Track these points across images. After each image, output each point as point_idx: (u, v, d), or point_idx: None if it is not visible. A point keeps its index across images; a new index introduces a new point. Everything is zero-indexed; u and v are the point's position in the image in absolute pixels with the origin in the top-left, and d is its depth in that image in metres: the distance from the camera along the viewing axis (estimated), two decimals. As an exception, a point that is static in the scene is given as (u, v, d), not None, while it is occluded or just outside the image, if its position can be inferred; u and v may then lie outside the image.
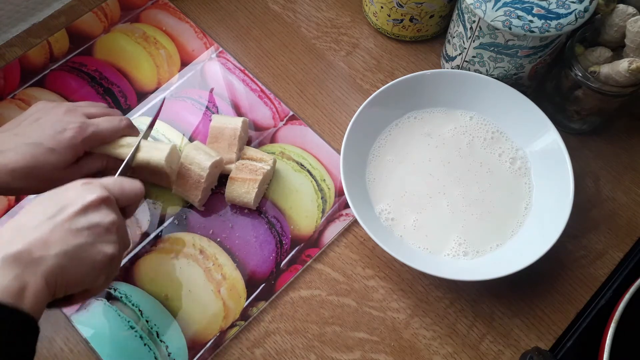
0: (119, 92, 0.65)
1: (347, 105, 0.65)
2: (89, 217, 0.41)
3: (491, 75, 0.59)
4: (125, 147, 0.54)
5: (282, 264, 0.56)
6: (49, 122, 0.51)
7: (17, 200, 0.59)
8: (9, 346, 0.35)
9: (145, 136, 0.57)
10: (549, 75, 0.62)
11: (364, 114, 0.57)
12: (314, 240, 0.57)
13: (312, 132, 0.63)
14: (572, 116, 0.61)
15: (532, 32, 0.51)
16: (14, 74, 0.66)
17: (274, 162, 0.60)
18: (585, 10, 0.52)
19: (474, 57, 0.59)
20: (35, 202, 0.42)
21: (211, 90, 0.66)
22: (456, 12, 0.59)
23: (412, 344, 0.53)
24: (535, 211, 0.56)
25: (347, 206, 0.59)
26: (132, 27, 0.70)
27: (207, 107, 0.64)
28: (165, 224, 0.58)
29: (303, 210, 0.59)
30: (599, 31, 0.56)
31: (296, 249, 0.57)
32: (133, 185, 0.47)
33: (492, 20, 0.52)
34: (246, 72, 0.67)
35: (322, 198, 0.59)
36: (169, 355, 0.52)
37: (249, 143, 0.62)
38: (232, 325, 0.53)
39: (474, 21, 0.55)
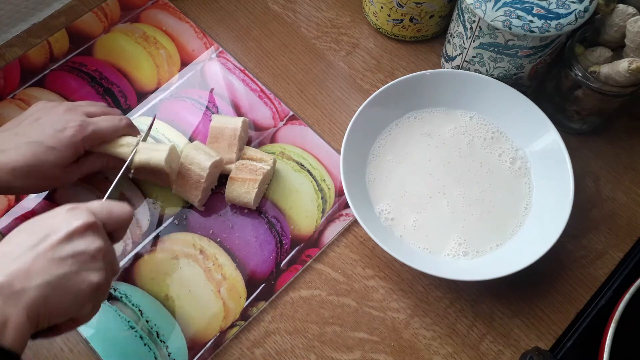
0: (119, 92, 0.65)
1: (347, 105, 0.65)
2: (73, 244, 0.40)
3: (491, 75, 0.59)
4: (125, 147, 0.55)
5: (282, 264, 0.56)
6: (49, 121, 0.51)
7: (17, 200, 0.59)
8: None
9: (145, 138, 0.57)
10: (549, 75, 0.62)
11: (364, 114, 0.57)
12: (314, 240, 0.57)
13: (312, 132, 0.63)
14: (572, 116, 0.61)
15: (532, 32, 0.51)
16: (14, 74, 0.66)
17: (274, 162, 0.60)
18: (585, 10, 0.52)
19: (474, 57, 0.59)
20: (18, 230, 0.41)
21: (211, 90, 0.66)
22: (456, 12, 0.59)
23: (412, 344, 0.53)
24: (535, 211, 0.56)
25: (347, 206, 0.59)
26: (132, 27, 0.70)
27: (207, 107, 0.64)
28: (165, 224, 0.58)
29: (303, 210, 0.59)
30: (599, 31, 0.56)
31: (296, 249, 0.57)
32: (121, 209, 0.45)
33: (492, 20, 0.52)
34: (246, 72, 0.67)
35: (322, 198, 0.59)
36: (169, 355, 0.52)
37: (249, 143, 0.62)
38: (232, 325, 0.53)
39: (474, 21, 0.55)
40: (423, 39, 0.69)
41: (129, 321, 0.53)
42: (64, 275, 0.39)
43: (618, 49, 0.56)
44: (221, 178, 0.59)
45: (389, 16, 0.65)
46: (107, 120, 0.54)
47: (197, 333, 0.53)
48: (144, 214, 0.58)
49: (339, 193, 0.60)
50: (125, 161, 0.54)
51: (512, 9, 0.52)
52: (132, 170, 0.55)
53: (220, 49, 0.68)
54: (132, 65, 0.67)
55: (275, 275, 0.56)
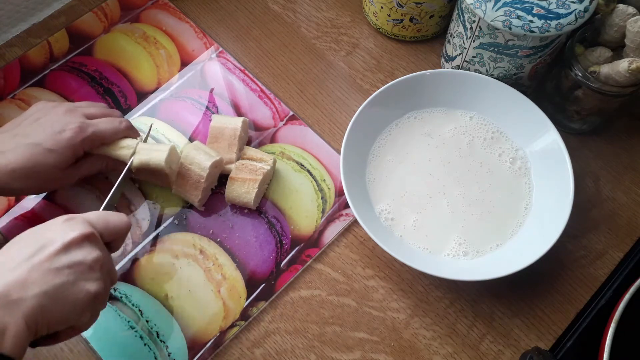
0: (119, 92, 0.65)
1: (347, 105, 0.65)
2: (70, 255, 0.40)
3: (491, 75, 0.59)
4: (125, 149, 0.54)
5: (282, 264, 0.56)
6: (48, 122, 0.51)
7: (17, 200, 0.59)
8: None
9: (144, 140, 0.57)
10: (549, 75, 0.62)
11: (364, 114, 0.57)
12: (314, 240, 0.57)
13: (312, 132, 0.63)
14: (572, 116, 0.61)
15: (532, 32, 0.51)
16: (14, 74, 0.66)
17: (274, 162, 0.60)
18: (585, 10, 0.52)
19: (474, 57, 0.59)
20: (15, 241, 0.41)
21: (211, 90, 0.66)
22: (456, 12, 0.59)
23: (412, 344, 0.53)
24: (535, 211, 0.56)
25: (347, 206, 0.59)
26: (132, 27, 0.70)
27: (207, 107, 0.64)
28: (165, 224, 0.58)
29: (303, 210, 0.59)
30: (599, 31, 0.56)
31: (296, 249, 0.57)
32: (118, 219, 0.45)
33: (492, 20, 0.52)
34: (246, 72, 0.67)
35: (322, 198, 0.59)
36: (169, 355, 0.52)
37: (249, 143, 0.62)
38: (232, 325, 0.53)
39: (474, 21, 0.55)
40: (423, 39, 0.69)
41: (129, 321, 0.53)
42: (61, 285, 0.39)
43: (618, 49, 0.56)
44: (221, 178, 0.59)
45: (389, 16, 0.65)
46: (107, 122, 0.54)
47: (197, 333, 0.53)
48: (144, 214, 0.58)
49: (339, 193, 0.60)
50: (126, 163, 0.54)
51: (512, 9, 0.52)
52: (132, 171, 0.55)
53: (220, 49, 0.68)
54: (132, 65, 0.67)
55: (275, 275, 0.56)
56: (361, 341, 0.53)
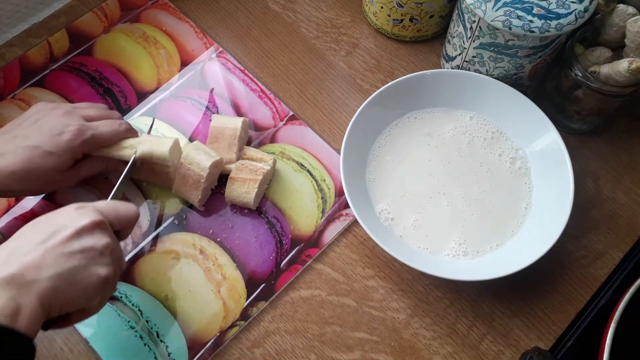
0: (119, 92, 0.65)
1: (347, 105, 0.65)
2: (82, 240, 0.41)
3: (491, 75, 0.59)
4: (127, 149, 0.54)
5: (282, 264, 0.56)
6: (47, 124, 0.51)
7: (17, 200, 0.59)
8: None
9: (148, 133, 0.57)
10: (549, 75, 0.62)
11: (364, 114, 0.57)
12: (314, 240, 0.57)
13: (312, 132, 0.63)
14: (572, 116, 0.61)
15: (532, 32, 0.51)
16: (14, 74, 0.66)
17: (274, 162, 0.60)
18: (585, 10, 0.52)
19: (474, 57, 0.59)
20: (28, 226, 0.42)
21: (211, 90, 0.66)
22: (456, 12, 0.59)
23: (412, 344, 0.53)
24: (535, 211, 0.56)
25: (347, 206, 0.59)
26: (132, 27, 0.70)
27: (207, 107, 0.64)
28: (165, 224, 0.58)
29: (303, 210, 0.59)
30: (599, 31, 0.56)
31: (296, 249, 0.57)
32: (127, 208, 0.47)
33: (492, 20, 0.52)
34: (246, 72, 0.67)
35: (322, 198, 0.59)
36: (169, 355, 0.52)
37: (249, 143, 0.62)
38: (232, 325, 0.53)
39: (474, 21, 0.55)
40: (423, 39, 0.69)
41: (129, 321, 0.53)
42: (74, 269, 0.40)
43: (618, 49, 0.56)
44: (221, 178, 0.59)
45: (389, 16, 0.65)
46: (107, 124, 0.54)
47: (197, 333, 0.53)
48: (144, 214, 0.58)
49: (339, 193, 0.60)
50: (127, 163, 0.54)
51: (512, 9, 0.52)
52: (137, 163, 0.55)
53: (220, 49, 0.68)
54: (132, 65, 0.67)
55: (275, 275, 0.56)
56: (361, 341, 0.53)
